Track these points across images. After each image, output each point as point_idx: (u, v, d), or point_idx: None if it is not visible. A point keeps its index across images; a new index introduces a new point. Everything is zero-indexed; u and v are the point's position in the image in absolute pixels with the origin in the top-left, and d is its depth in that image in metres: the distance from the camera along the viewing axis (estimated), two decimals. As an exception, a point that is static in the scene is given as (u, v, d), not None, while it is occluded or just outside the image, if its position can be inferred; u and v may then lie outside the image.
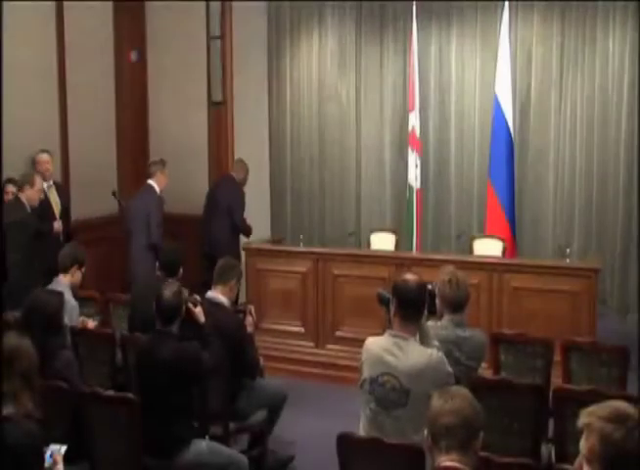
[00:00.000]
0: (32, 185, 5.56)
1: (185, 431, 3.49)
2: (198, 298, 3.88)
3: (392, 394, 3.04)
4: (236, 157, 7.44)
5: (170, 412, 3.44)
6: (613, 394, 3.34)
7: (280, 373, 5.19)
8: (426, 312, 3.29)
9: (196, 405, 3.63)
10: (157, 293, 3.75)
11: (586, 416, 1.93)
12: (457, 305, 3.63)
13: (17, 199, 5.56)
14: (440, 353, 3.12)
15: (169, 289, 3.64)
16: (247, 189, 7.67)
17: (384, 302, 3.29)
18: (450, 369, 3.11)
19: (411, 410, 3.01)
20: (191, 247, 7.42)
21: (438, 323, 3.61)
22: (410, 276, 3.26)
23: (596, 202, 7.12)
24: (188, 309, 3.75)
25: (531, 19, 7.23)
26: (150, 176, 6.38)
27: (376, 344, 3.18)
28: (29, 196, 5.55)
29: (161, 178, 6.37)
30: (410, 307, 3.15)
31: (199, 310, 3.81)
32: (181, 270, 4.51)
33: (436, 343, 3.21)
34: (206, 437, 3.68)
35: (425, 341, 3.19)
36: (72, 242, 5.22)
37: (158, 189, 6.38)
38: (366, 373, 3.16)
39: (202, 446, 3.50)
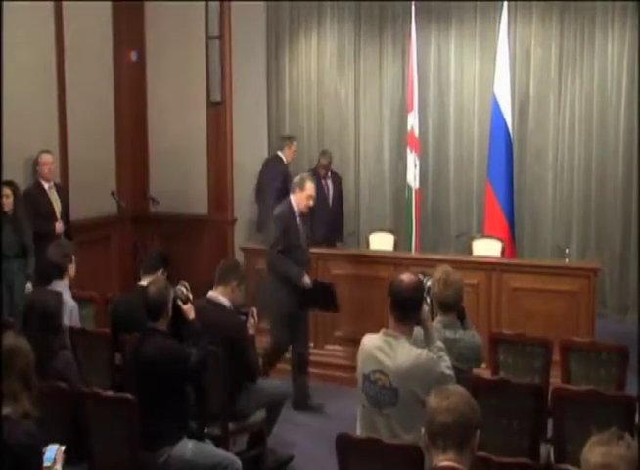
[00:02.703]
0: (302, 189, 5.19)
1: (169, 428, 3.46)
2: (189, 294, 3.80)
3: (383, 392, 3.04)
4: (235, 157, 7.52)
5: (154, 409, 3.42)
6: (612, 393, 3.35)
7: (279, 373, 5.19)
8: (429, 313, 3.28)
9: (189, 405, 3.63)
10: (133, 296, 3.76)
11: None
12: (446, 306, 3.60)
13: (288, 200, 5.33)
14: (433, 354, 3.09)
15: (154, 285, 3.65)
16: (246, 189, 7.68)
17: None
18: (445, 370, 3.07)
19: (401, 409, 3.00)
20: (190, 247, 7.45)
21: (433, 324, 3.60)
22: (406, 276, 3.21)
23: (595, 201, 7.13)
24: (178, 306, 3.71)
25: (530, 19, 7.25)
26: (279, 149, 7.27)
27: (370, 341, 3.18)
28: (296, 199, 5.20)
29: (287, 152, 7.18)
30: (403, 308, 3.14)
31: (188, 307, 3.75)
32: (162, 272, 4.44)
33: (440, 343, 3.18)
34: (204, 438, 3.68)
35: (428, 341, 3.18)
36: (55, 241, 5.13)
37: (285, 160, 7.16)
38: (360, 370, 3.17)
39: (187, 446, 3.47)
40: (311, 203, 5.25)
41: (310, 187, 5.19)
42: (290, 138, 7.34)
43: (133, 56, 7.68)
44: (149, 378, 3.47)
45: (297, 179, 5.30)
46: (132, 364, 3.63)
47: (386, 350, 3.08)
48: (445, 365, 3.10)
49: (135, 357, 3.59)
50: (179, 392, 3.55)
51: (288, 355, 5.45)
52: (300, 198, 5.16)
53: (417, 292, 3.18)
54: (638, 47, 6.69)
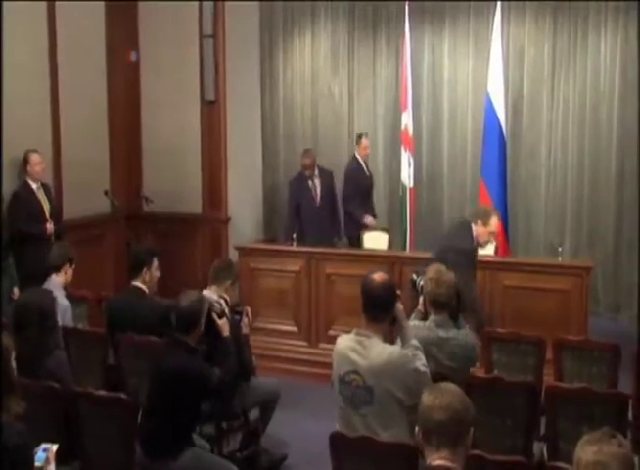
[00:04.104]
0: (485, 225, 4.91)
1: (174, 440, 3.44)
2: (225, 309, 3.72)
3: (358, 391, 3.04)
4: (230, 155, 7.52)
5: (163, 419, 3.42)
6: (604, 391, 3.37)
7: (273, 372, 5.18)
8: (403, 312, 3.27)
9: (199, 418, 3.62)
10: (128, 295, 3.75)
11: None
12: (438, 304, 3.60)
13: (465, 224, 5.07)
14: (407, 351, 3.08)
15: (187, 298, 3.57)
16: (240, 188, 7.68)
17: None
18: (420, 367, 3.05)
19: (377, 408, 3.00)
20: (184, 246, 7.45)
21: (426, 323, 3.61)
22: (377, 275, 3.20)
23: (588, 199, 7.16)
24: (212, 320, 3.65)
25: (523, 19, 7.26)
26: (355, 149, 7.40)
27: (343, 342, 3.17)
28: (478, 231, 4.93)
29: (360, 149, 7.25)
30: (373, 307, 3.13)
31: (223, 322, 3.68)
32: (146, 270, 4.38)
33: (414, 342, 3.17)
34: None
35: (403, 340, 3.17)
36: (60, 241, 5.16)
37: (360, 159, 7.26)
38: (334, 372, 3.16)
39: (187, 454, 3.44)
40: (491, 239, 5.12)
41: (494, 224, 5.00)
42: (359, 136, 7.32)
43: (133, 56, 7.66)
44: (165, 390, 3.44)
45: (481, 211, 5.13)
46: (152, 371, 3.57)
47: (358, 349, 3.07)
48: (420, 362, 3.08)
49: (156, 366, 3.55)
50: (192, 408, 3.51)
51: (283, 353, 5.44)
52: (483, 232, 4.95)
53: (388, 291, 3.15)
54: (639, 45, 6.69)
